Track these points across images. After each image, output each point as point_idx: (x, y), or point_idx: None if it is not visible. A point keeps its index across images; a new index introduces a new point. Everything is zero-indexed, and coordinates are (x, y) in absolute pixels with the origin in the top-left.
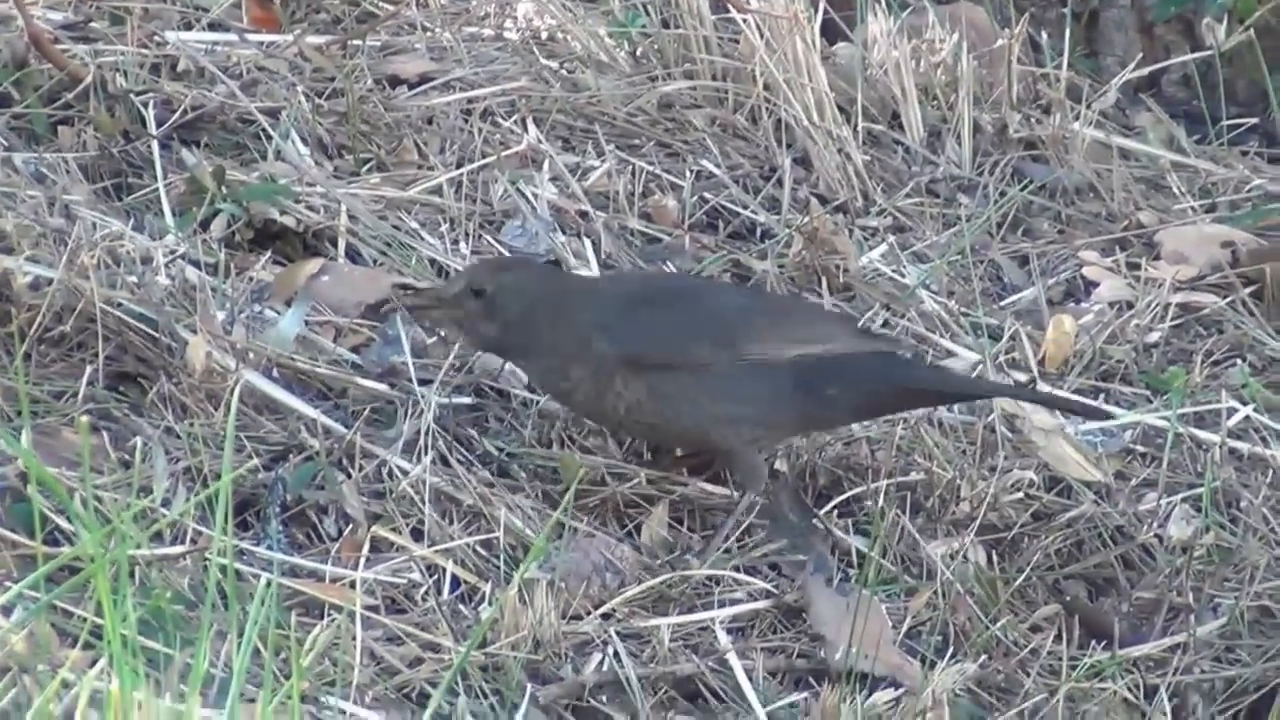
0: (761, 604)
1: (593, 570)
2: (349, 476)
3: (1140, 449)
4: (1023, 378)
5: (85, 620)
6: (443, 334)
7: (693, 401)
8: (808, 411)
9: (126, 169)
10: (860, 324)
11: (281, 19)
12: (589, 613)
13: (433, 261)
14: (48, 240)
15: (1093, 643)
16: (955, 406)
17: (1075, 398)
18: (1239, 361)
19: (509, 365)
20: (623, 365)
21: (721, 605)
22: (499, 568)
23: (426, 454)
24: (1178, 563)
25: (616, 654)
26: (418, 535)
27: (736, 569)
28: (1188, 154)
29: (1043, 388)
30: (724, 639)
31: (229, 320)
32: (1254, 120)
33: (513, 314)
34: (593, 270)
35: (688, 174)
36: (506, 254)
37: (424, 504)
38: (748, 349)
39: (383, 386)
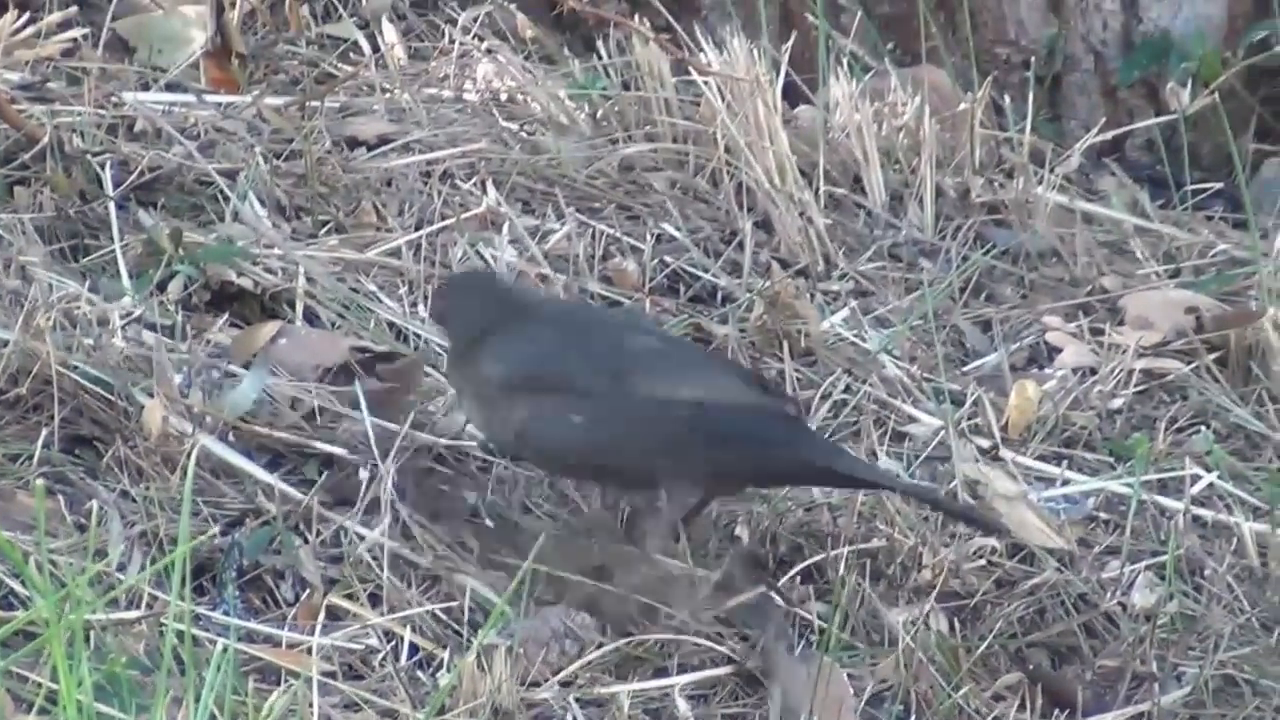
0: (722, 670)
1: (551, 636)
2: (306, 542)
3: (1103, 516)
4: (985, 444)
5: (40, 686)
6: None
7: (569, 426)
8: (709, 462)
9: (83, 230)
10: (756, 379)
11: (240, 80)
12: (548, 680)
13: (391, 324)
14: (3, 302)
15: (1056, 711)
16: (917, 474)
17: (973, 511)
18: (1203, 428)
19: (469, 426)
20: (503, 388)
21: (682, 671)
22: (458, 634)
23: (385, 517)
24: (1141, 631)
25: None
26: (375, 601)
27: (697, 634)
28: (1151, 219)
29: (1005, 454)
30: (684, 706)
31: (186, 384)
32: (1218, 185)
33: (457, 333)
34: None
35: (648, 237)
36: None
37: (381, 569)
38: (636, 384)
39: (340, 450)
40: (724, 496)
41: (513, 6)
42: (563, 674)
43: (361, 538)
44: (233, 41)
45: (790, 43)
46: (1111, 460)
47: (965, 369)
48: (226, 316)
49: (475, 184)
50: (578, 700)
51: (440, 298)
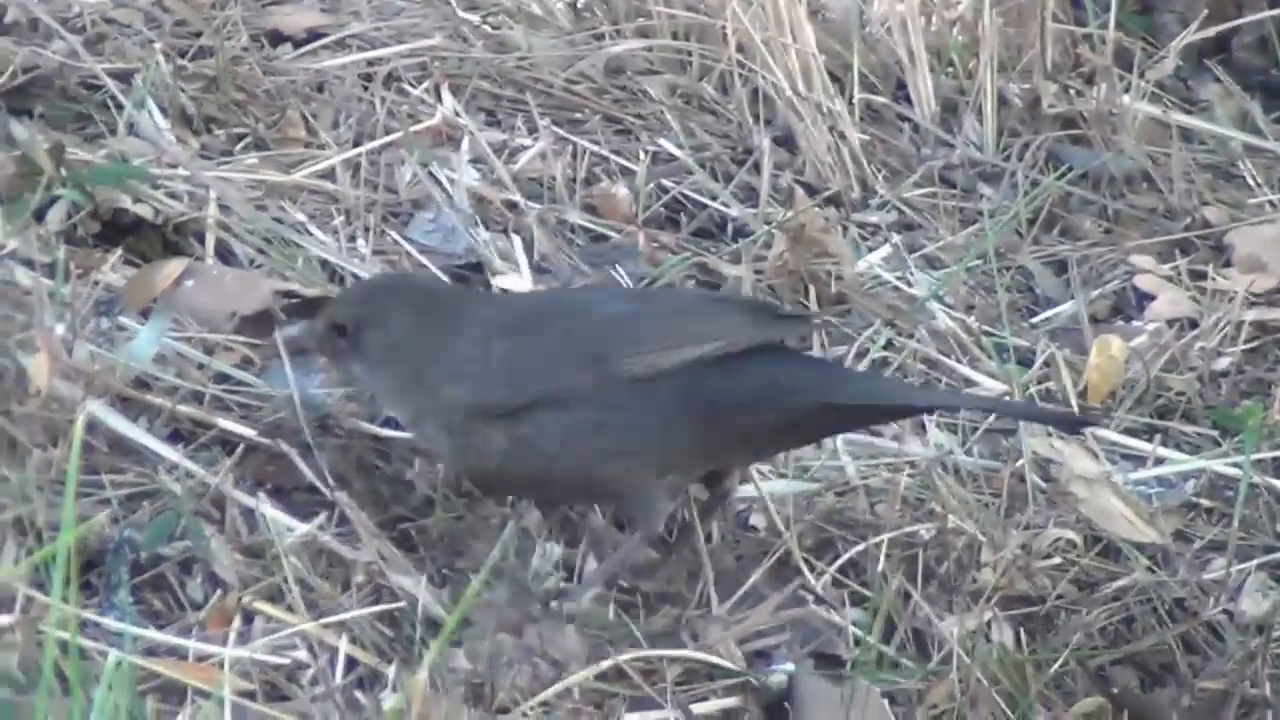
0: (732, 700)
1: (524, 655)
2: (219, 530)
3: (1205, 503)
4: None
5: None
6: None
7: (563, 442)
8: (709, 436)
9: None
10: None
11: None
12: (517, 703)
13: (324, 263)
14: None
15: None
16: (975, 450)
17: (1062, 410)
18: None
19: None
20: (476, 414)
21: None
22: (406, 646)
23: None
24: (1252, 645)
25: None
26: (306, 604)
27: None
28: (1265, 135)
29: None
30: None
31: (70, 335)
32: None
33: (375, 354)
34: (523, 276)
35: (642, 156)
36: (389, 270)
37: (312, 566)
38: (624, 364)
39: (248, 432)
40: (742, 467)
41: None
42: (537, 697)
43: (290, 529)
44: None
45: None
46: (1216, 434)
47: (1034, 320)
48: (120, 253)
49: (427, 89)
50: None
51: (351, 308)
